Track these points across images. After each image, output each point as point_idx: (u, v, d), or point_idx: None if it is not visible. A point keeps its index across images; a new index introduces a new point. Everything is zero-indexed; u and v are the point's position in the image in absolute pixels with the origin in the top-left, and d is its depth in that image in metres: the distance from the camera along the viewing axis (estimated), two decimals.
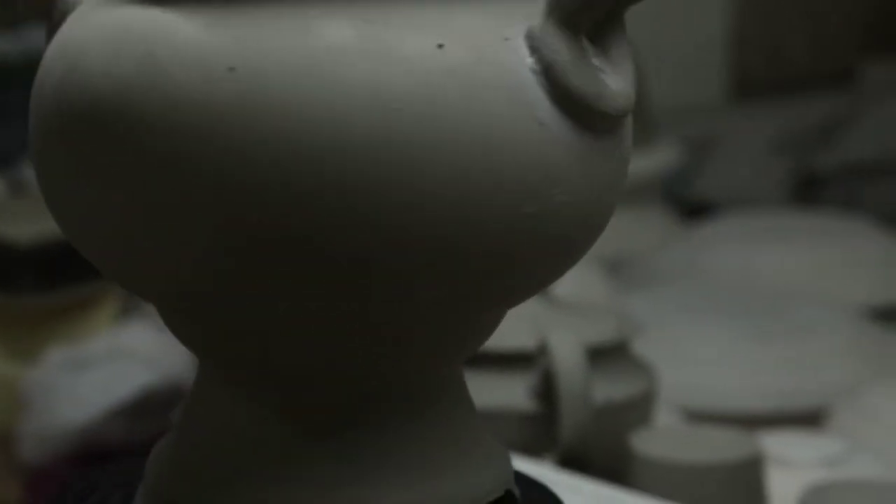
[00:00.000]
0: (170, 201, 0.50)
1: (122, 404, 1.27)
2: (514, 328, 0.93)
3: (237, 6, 0.50)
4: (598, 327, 1.02)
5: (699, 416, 1.26)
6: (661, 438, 0.95)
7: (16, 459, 1.30)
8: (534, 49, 0.51)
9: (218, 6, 0.50)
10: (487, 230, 0.50)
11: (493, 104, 0.50)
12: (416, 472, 0.55)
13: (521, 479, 0.63)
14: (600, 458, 0.96)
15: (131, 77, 0.49)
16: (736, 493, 0.90)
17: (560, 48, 0.51)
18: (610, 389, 0.99)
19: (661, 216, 2.02)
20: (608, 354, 1.01)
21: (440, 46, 0.50)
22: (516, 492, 0.60)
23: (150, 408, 1.28)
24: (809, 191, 2.62)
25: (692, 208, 2.31)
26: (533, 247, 0.52)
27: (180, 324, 0.57)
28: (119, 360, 1.30)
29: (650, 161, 1.90)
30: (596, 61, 0.52)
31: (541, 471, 0.74)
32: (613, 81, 0.52)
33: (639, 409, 1.01)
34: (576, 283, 1.15)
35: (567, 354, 0.94)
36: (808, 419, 1.28)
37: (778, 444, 1.05)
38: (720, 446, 0.93)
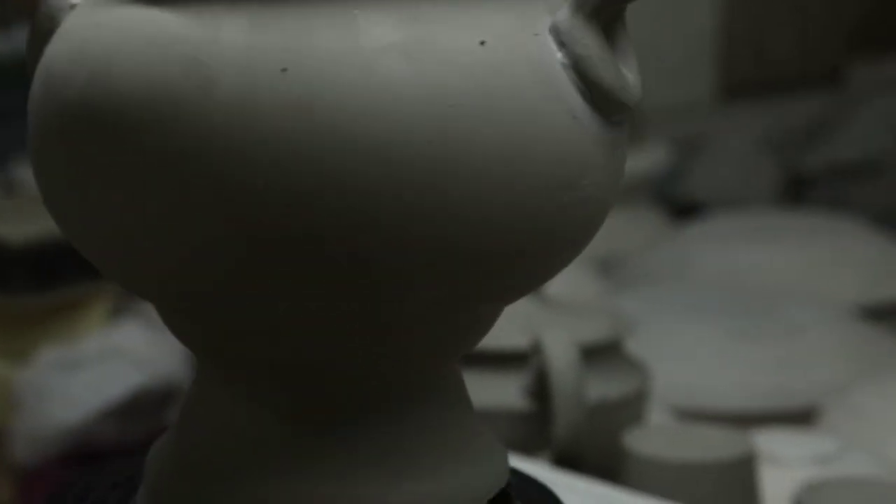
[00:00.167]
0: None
1: (114, 404, 1.28)
2: (508, 327, 0.93)
3: (275, 6, 0.50)
4: (591, 326, 1.02)
5: (690, 415, 1.26)
6: (655, 437, 0.95)
7: (8, 459, 1.30)
8: (561, 43, 0.52)
9: (257, 6, 0.50)
10: (523, 223, 0.51)
11: (532, 98, 0.51)
12: (416, 467, 0.55)
13: (519, 476, 0.63)
14: (594, 456, 0.96)
15: (177, 81, 0.49)
16: (729, 492, 0.91)
17: (589, 42, 0.52)
18: (603, 388, 0.99)
19: (651, 216, 2.03)
20: (601, 353, 1.01)
21: (482, 43, 0.51)
22: (512, 489, 0.60)
23: (141, 408, 1.28)
24: (797, 190, 2.62)
25: (681, 208, 2.32)
26: (557, 238, 0.53)
27: (180, 323, 0.57)
28: (111, 360, 1.30)
29: (639, 161, 1.90)
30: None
31: (535, 469, 0.74)
32: (628, 73, 0.53)
33: (632, 408, 1.01)
34: (567, 282, 1.16)
35: (561, 353, 0.95)
36: (799, 418, 1.29)
37: (770, 443, 1.05)
38: (713, 445, 0.93)
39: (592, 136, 0.52)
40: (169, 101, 0.49)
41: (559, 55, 0.52)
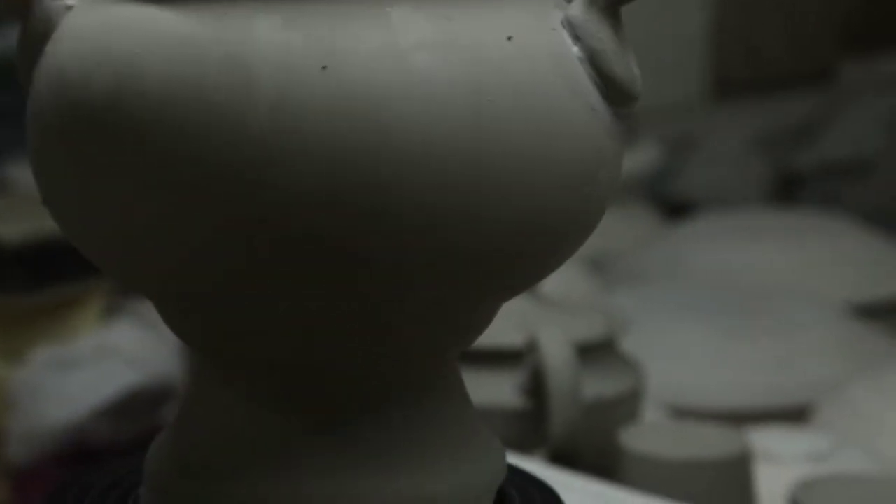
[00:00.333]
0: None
1: (108, 403, 1.27)
2: (503, 325, 0.93)
3: (307, 4, 0.50)
4: (586, 324, 1.02)
5: (684, 414, 1.26)
6: (650, 435, 0.95)
7: (2, 459, 1.29)
8: (577, 37, 0.53)
9: (288, 4, 0.50)
10: (541, 217, 0.52)
11: (557, 92, 0.52)
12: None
13: (519, 474, 0.64)
14: (590, 454, 0.96)
15: (216, 82, 0.49)
16: (725, 489, 0.91)
17: (604, 36, 0.53)
18: (599, 386, 0.99)
19: (642, 215, 2.03)
20: (596, 351, 1.01)
21: (509, 39, 0.51)
22: (512, 486, 0.60)
23: (136, 407, 1.28)
24: (788, 189, 2.63)
25: (673, 207, 2.32)
26: (570, 231, 0.54)
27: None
28: (105, 359, 1.30)
29: (631, 160, 1.90)
30: None
31: (531, 467, 0.74)
32: (634, 66, 0.55)
33: (627, 406, 1.01)
34: (560, 281, 1.16)
35: (556, 351, 0.95)
36: (793, 416, 1.29)
37: (764, 440, 1.05)
38: (709, 442, 0.93)
39: (606, 128, 0.53)
40: (207, 102, 0.48)
41: (575, 49, 0.53)
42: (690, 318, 1.47)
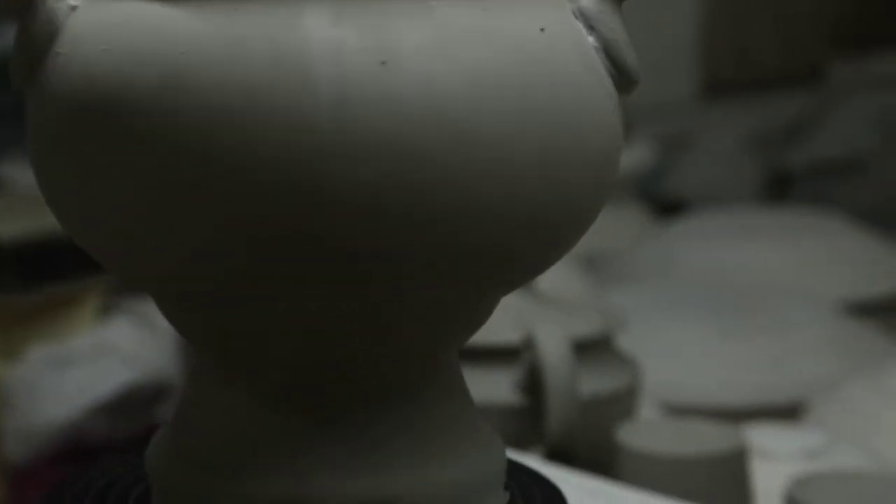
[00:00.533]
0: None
1: (104, 401, 1.27)
2: (499, 322, 0.93)
3: None
4: (582, 321, 1.02)
5: (679, 411, 1.26)
6: (647, 431, 0.95)
7: None
8: (591, 27, 0.54)
9: None
10: (562, 207, 0.53)
11: (583, 81, 0.53)
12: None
13: (520, 469, 0.64)
14: (586, 451, 0.97)
15: (272, 80, 0.48)
16: (721, 485, 0.91)
17: (615, 26, 0.55)
18: (595, 383, 0.99)
19: (635, 214, 2.04)
20: (593, 348, 1.01)
21: (542, 30, 0.52)
22: (513, 483, 0.61)
23: (133, 405, 1.28)
24: (780, 188, 2.63)
25: (665, 206, 2.32)
26: (582, 220, 0.55)
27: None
28: (102, 357, 1.30)
29: (625, 159, 1.90)
30: None
31: (534, 463, 0.74)
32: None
33: (624, 403, 1.01)
34: (554, 280, 1.16)
35: (553, 348, 0.95)
36: (787, 413, 1.29)
37: (760, 437, 1.05)
38: (706, 439, 0.93)
39: (618, 115, 0.55)
40: (262, 103, 0.48)
41: (591, 39, 0.54)
42: (684, 317, 1.48)
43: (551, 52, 0.52)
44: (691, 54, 2.87)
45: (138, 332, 1.31)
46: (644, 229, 1.98)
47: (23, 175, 1.50)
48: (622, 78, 0.55)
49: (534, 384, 0.96)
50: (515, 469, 0.63)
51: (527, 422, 0.97)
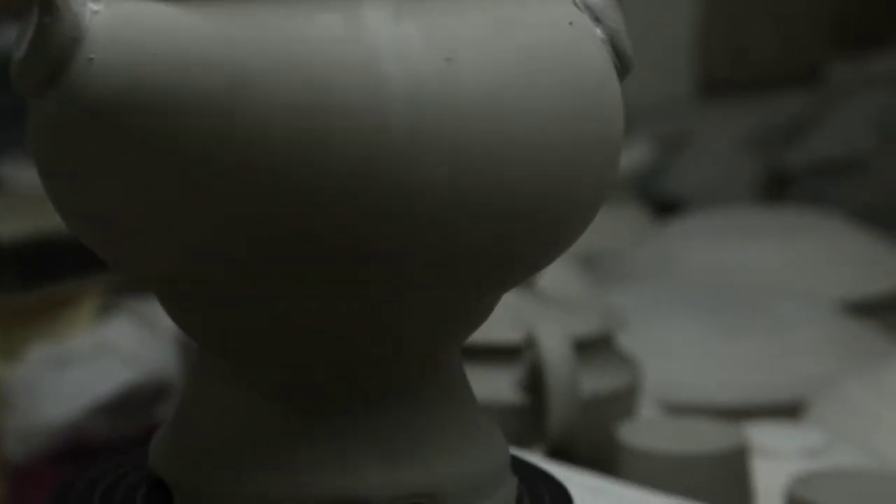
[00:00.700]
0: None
1: (105, 401, 1.28)
2: (500, 321, 0.94)
3: None
4: (583, 320, 1.02)
5: (678, 410, 1.26)
6: (648, 430, 0.95)
7: (0, 457, 1.30)
8: (597, 20, 0.55)
9: None
10: (568, 200, 0.53)
11: (602, 71, 0.54)
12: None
13: (526, 466, 0.64)
14: (587, 449, 0.97)
15: (347, 81, 0.48)
16: (722, 484, 0.91)
17: (619, 19, 0.55)
18: (596, 382, 1.00)
19: (634, 213, 2.04)
20: (594, 347, 1.01)
21: (571, 24, 0.53)
22: (522, 483, 0.61)
23: (133, 404, 1.28)
24: (778, 188, 2.63)
25: (663, 205, 2.32)
26: (591, 210, 0.55)
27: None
28: (102, 357, 1.30)
29: (623, 159, 1.91)
30: None
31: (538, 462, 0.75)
32: None
33: (625, 402, 1.02)
34: (555, 279, 1.16)
35: (555, 347, 0.95)
36: (786, 412, 1.30)
37: (760, 436, 1.05)
38: (706, 437, 0.93)
39: (623, 107, 0.55)
40: (339, 103, 0.48)
41: (598, 31, 0.55)
42: (683, 316, 1.48)
43: (580, 45, 0.53)
44: (690, 54, 2.87)
45: (138, 332, 1.31)
46: (643, 229, 1.98)
47: (23, 175, 1.50)
48: (623, 68, 0.56)
49: (535, 383, 0.97)
50: (521, 466, 0.63)
51: (528, 420, 0.97)
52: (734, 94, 2.84)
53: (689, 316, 1.47)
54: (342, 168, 0.48)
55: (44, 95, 0.53)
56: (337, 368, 0.54)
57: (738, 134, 2.67)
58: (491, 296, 0.57)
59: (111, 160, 0.50)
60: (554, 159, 0.51)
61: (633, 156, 2.00)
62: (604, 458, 0.97)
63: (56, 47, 0.51)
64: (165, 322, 0.58)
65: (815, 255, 1.71)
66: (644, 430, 0.95)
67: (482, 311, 0.57)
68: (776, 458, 1.02)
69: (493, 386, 0.98)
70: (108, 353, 1.30)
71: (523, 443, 0.94)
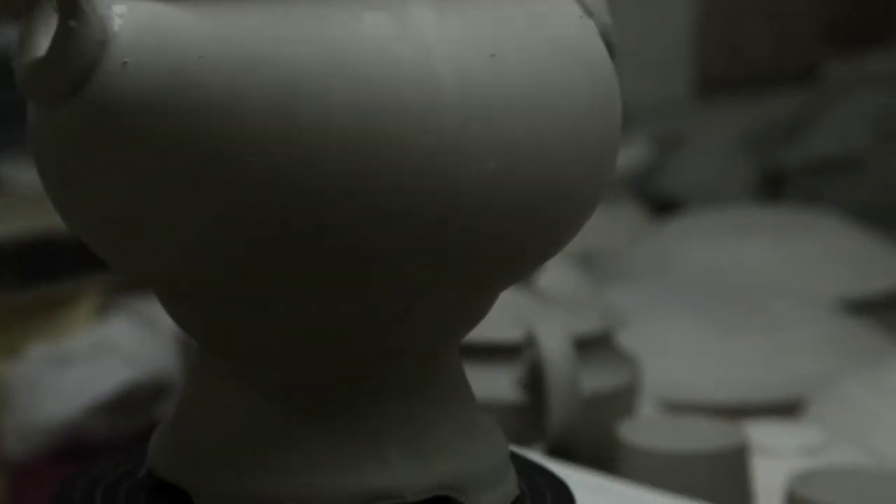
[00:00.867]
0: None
1: (104, 399, 1.28)
2: (500, 320, 0.94)
3: None
4: (583, 319, 1.03)
5: (676, 409, 1.26)
6: (648, 428, 0.95)
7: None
8: (590, 13, 0.55)
9: None
10: (569, 195, 0.53)
11: (607, 63, 0.54)
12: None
13: (527, 464, 0.64)
14: (587, 448, 0.97)
15: (404, 83, 0.48)
16: (722, 482, 0.91)
17: (606, 11, 0.56)
18: (596, 380, 1.00)
19: (631, 212, 2.04)
20: (594, 346, 1.01)
21: (581, 17, 0.54)
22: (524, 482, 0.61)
23: (132, 403, 1.28)
24: (775, 186, 2.63)
25: (660, 204, 2.32)
26: (589, 207, 0.56)
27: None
28: (102, 355, 1.30)
29: (620, 158, 1.91)
30: None
31: (539, 458, 0.75)
32: None
33: (624, 400, 1.02)
34: (555, 277, 1.16)
35: (555, 345, 0.95)
36: (784, 410, 1.30)
37: (759, 434, 1.06)
38: (706, 436, 0.94)
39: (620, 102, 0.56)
40: (394, 104, 0.47)
41: (591, 23, 0.55)
42: (681, 315, 1.48)
43: (592, 38, 0.54)
44: (687, 53, 2.87)
45: (138, 331, 1.32)
46: (640, 228, 1.98)
47: (22, 175, 1.50)
48: (612, 58, 0.56)
49: (535, 381, 0.97)
50: (522, 464, 0.63)
51: (528, 419, 0.97)
52: (731, 94, 2.84)
53: (686, 314, 1.47)
54: (387, 168, 0.48)
55: (64, 101, 0.51)
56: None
57: (734, 133, 2.66)
58: (490, 294, 0.57)
59: (133, 162, 0.50)
60: (571, 155, 0.51)
61: (630, 155, 2.00)
62: (604, 456, 0.97)
63: (83, 52, 0.50)
64: (165, 321, 0.58)
65: (812, 253, 1.71)
66: (644, 429, 0.95)
67: (481, 310, 0.58)
68: (775, 457, 1.03)
69: (494, 384, 0.98)
70: (108, 351, 1.30)
71: (523, 441, 0.94)
